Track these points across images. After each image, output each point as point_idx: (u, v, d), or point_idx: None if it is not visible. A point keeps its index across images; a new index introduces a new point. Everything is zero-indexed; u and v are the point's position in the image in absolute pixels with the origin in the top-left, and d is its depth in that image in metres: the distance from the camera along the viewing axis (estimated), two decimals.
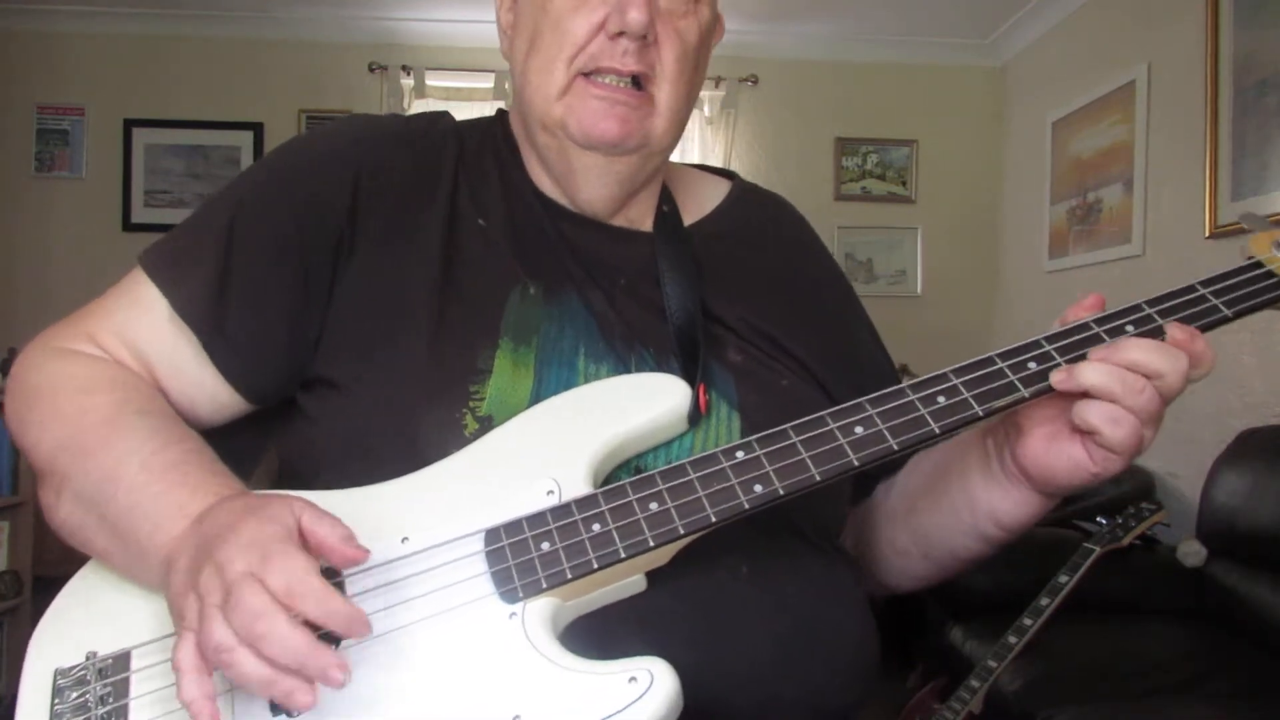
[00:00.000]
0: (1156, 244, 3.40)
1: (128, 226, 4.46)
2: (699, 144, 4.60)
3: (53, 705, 0.70)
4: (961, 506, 0.88)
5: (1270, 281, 0.78)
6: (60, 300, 0.92)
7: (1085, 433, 0.75)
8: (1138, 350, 0.72)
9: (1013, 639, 1.99)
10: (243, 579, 0.61)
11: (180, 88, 4.50)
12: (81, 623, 0.75)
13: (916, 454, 0.96)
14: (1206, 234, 3.04)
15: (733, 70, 4.59)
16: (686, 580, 0.76)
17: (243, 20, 4.46)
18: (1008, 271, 4.66)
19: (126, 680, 0.70)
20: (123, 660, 0.71)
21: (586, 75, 0.86)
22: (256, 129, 4.52)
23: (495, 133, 0.97)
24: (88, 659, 0.72)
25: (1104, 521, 2.20)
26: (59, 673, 0.71)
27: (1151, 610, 2.58)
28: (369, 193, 0.87)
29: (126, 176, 4.49)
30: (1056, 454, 0.78)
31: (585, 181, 0.90)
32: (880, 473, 0.98)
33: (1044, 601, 2.03)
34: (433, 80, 4.56)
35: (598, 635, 0.72)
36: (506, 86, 4.50)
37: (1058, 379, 0.73)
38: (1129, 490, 2.99)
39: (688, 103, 0.91)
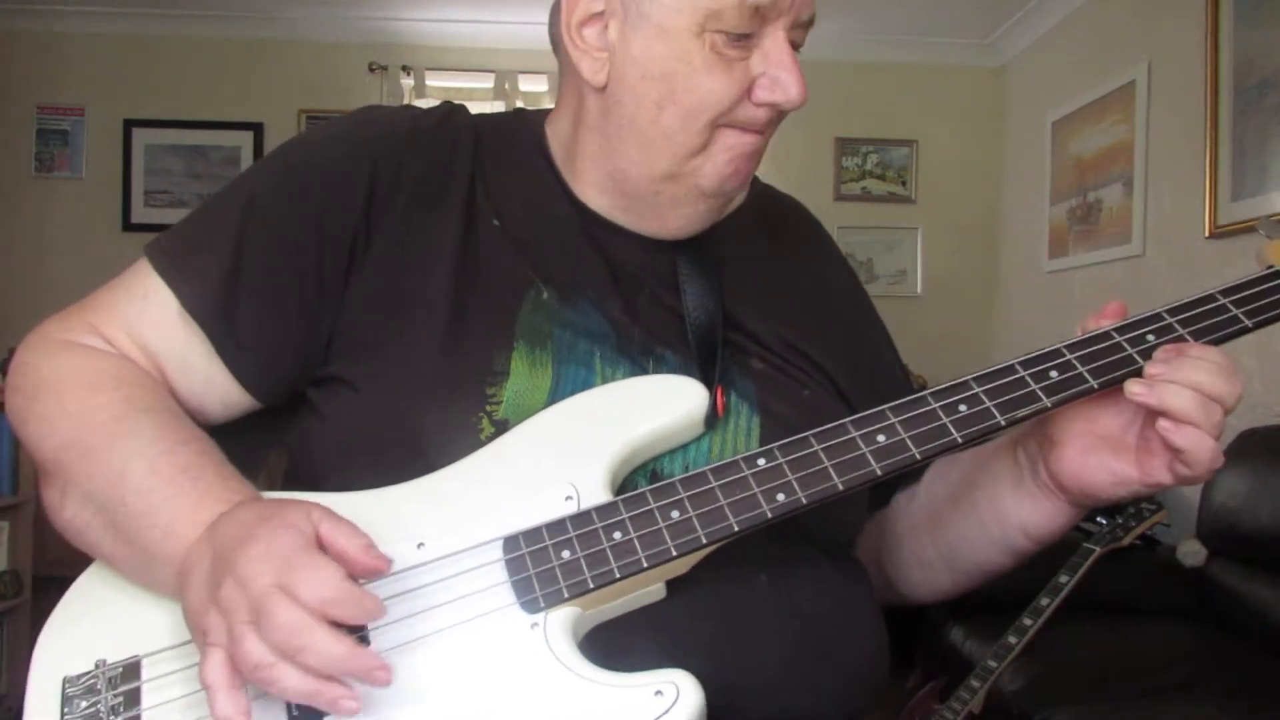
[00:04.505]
0: (1156, 244, 3.39)
1: (127, 227, 4.46)
2: None
3: (62, 714, 0.68)
4: (990, 519, 0.87)
5: None
6: (59, 301, 0.91)
7: (1173, 451, 0.73)
8: (1203, 373, 0.71)
9: (1013, 639, 1.99)
10: (270, 593, 0.61)
11: (180, 88, 4.49)
12: (89, 629, 0.74)
13: (937, 463, 0.95)
14: (1206, 234, 3.04)
15: None
16: (705, 589, 0.74)
17: (243, 20, 4.46)
18: (1008, 272, 4.65)
19: (138, 690, 0.69)
20: (133, 669, 0.70)
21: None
22: (256, 129, 4.52)
23: (520, 135, 0.93)
24: (97, 667, 0.70)
25: (1104, 521, 2.20)
26: (67, 681, 0.70)
27: (1151, 610, 2.58)
28: (384, 190, 0.85)
29: (126, 177, 4.49)
30: (1096, 468, 0.77)
31: (687, 222, 0.87)
32: (899, 482, 0.97)
33: (1044, 601, 2.03)
34: (433, 80, 4.55)
35: (614, 644, 0.71)
36: (506, 87, 4.50)
37: (1136, 390, 0.72)
38: None
39: None
